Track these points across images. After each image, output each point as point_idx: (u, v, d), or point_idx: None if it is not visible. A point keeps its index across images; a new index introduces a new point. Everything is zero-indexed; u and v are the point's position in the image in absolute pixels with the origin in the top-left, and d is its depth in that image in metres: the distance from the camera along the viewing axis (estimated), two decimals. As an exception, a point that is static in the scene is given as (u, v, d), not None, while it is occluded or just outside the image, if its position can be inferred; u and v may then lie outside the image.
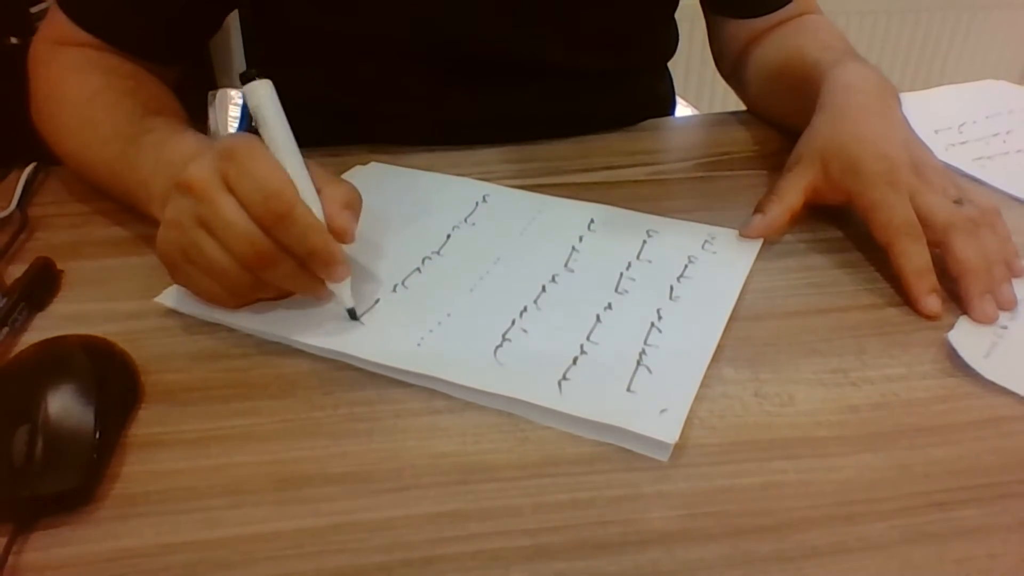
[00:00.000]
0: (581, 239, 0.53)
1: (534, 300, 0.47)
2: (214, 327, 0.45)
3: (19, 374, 0.40)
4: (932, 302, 0.47)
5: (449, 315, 0.45)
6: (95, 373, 0.39)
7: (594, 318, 0.45)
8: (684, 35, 0.77)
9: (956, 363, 0.43)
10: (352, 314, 0.44)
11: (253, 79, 0.42)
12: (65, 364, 0.39)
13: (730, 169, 0.64)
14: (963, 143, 0.67)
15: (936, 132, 0.69)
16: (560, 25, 0.65)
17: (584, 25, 0.66)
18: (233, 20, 0.73)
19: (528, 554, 0.33)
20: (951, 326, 0.46)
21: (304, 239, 0.41)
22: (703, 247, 0.52)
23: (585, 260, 0.51)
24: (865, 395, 0.41)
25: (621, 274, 0.49)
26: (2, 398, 0.38)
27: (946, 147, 0.66)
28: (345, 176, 0.60)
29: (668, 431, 0.37)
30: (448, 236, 0.53)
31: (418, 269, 0.50)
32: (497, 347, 0.43)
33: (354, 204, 0.44)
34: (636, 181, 0.62)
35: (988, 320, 0.46)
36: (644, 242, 0.53)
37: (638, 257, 0.51)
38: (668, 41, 0.76)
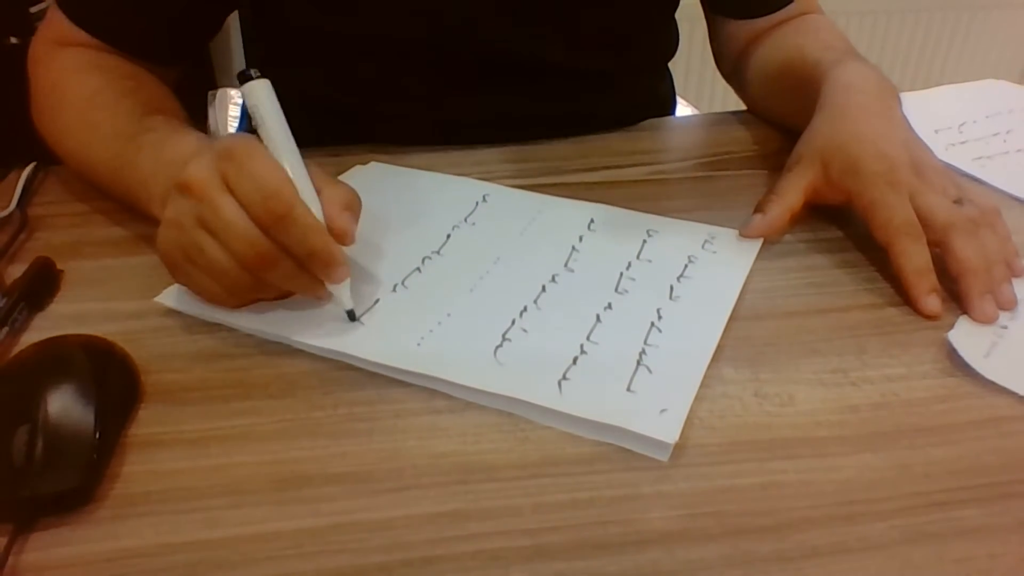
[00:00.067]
0: (581, 239, 0.53)
1: (534, 300, 0.47)
2: (214, 327, 0.45)
3: (19, 374, 0.40)
4: (932, 302, 0.47)
5: (449, 315, 0.45)
6: (95, 373, 0.39)
7: (594, 318, 0.45)
8: (684, 35, 0.77)
9: (956, 363, 0.43)
10: (351, 315, 0.44)
11: (251, 79, 0.42)
12: (65, 364, 0.39)
13: (730, 169, 0.64)
14: (963, 143, 0.67)
15: (936, 132, 0.69)
16: (560, 25, 0.65)
17: (584, 25, 0.66)
18: (233, 20, 0.73)
19: (528, 554, 0.33)
20: (951, 326, 0.46)
21: (303, 239, 0.41)
22: (703, 247, 0.52)
23: (585, 260, 0.51)
24: (865, 395, 0.41)
25: (621, 274, 0.49)
26: (2, 398, 0.38)
27: (946, 147, 0.66)
28: (345, 176, 0.60)
29: (668, 431, 0.37)
30: (448, 236, 0.53)
31: (418, 269, 0.50)
32: (497, 347, 0.43)
33: (353, 206, 0.44)
34: (636, 181, 0.62)
35: (988, 320, 0.46)
36: (644, 242, 0.53)
37: (638, 257, 0.51)
38: (668, 41, 0.76)
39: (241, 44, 0.79)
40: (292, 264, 0.42)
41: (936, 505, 0.35)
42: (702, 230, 0.54)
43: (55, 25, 0.60)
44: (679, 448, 0.38)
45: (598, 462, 0.37)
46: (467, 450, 0.38)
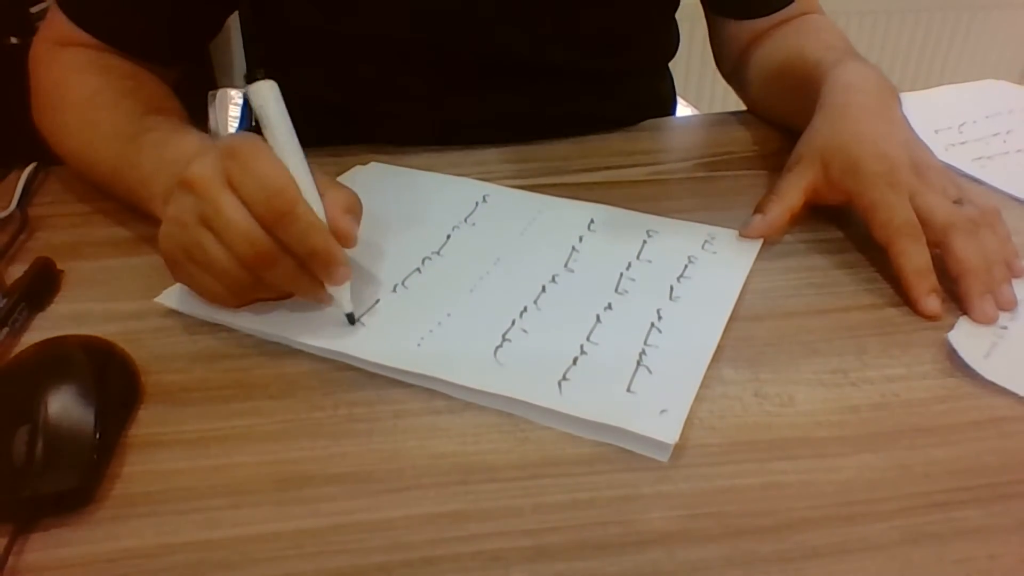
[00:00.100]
0: (581, 239, 0.53)
1: (534, 300, 0.47)
2: (214, 327, 0.45)
3: (19, 374, 0.40)
4: (932, 302, 0.47)
5: (449, 315, 0.45)
6: (95, 373, 0.39)
7: (594, 318, 0.45)
8: (684, 35, 0.77)
9: (956, 363, 0.43)
10: (351, 319, 0.44)
11: (257, 80, 0.42)
12: (65, 364, 0.39)
13: (730, 169, 0.64)
14: (963, 143, 0.67)
15: (936, 132, 0.69)
16: (561, 25, 0.65)
17: (585, 25, 0.66)
18: (233, 20, 0.73)
19: (528, 554, 0.33)
20: (951, 326, 0.46)
21: (305, 238, 0.41)
22: (703, 247, 0.52)
23: (585, 260, 0.51)
24: (865, 395, 0.41)
25: (621, 274, 0.49)
26: (2, 398, 0.38)
27: (946, 147, 0.66)
28: (345, 176, 0.60)
29: (668, 431, 0.37)
30: (448, 236, 0.53)
31: (418, 269, 0.50)
32: (497, 347, 0.43)
33: (355, 209, 0.44)
34: (636, 181, 0.62)
35: (988, 320, 0.46)
36: (644, 242, 0.53)
37: (638, 257, 0.51)
38: (669, 42, 0.76)
39: (241, 44, 0.79)
40: (292, 264, 0.42)
41: (936, 505, 0.35)
42: (702, 230, 0.54)
43: (56, 25, 0.60)
44: (679, 448, 0.38)
45: (598, 462, 0.37)
46: (467, 450, 0.38)
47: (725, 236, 0.53)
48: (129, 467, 0.37)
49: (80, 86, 0.57)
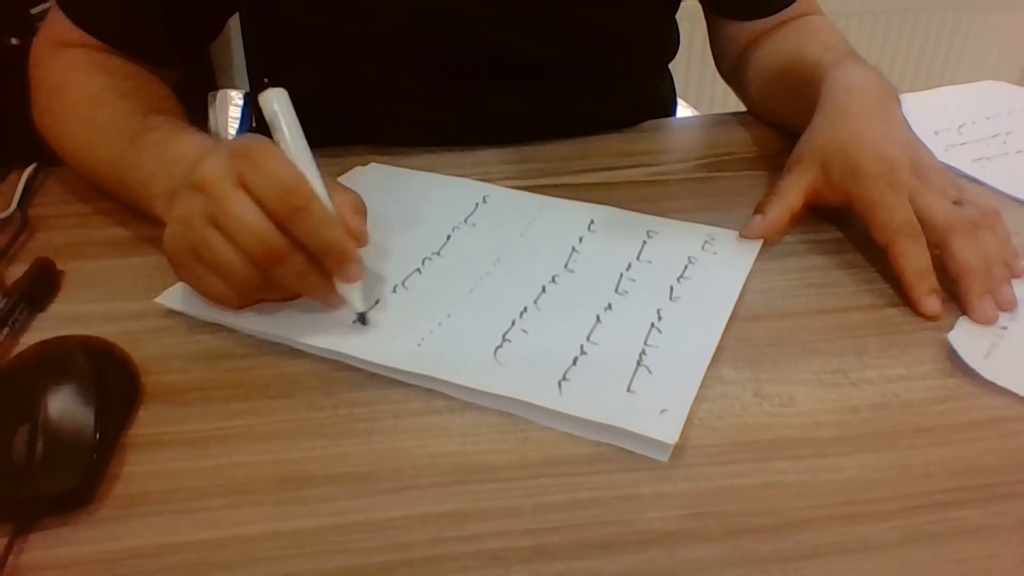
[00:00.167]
0: (581, 240, 0.53)
1: (534, 300, 0.47)
2: (214, 327, 0.45)
3: (19, 374, 0.40)
4: (932, 303, 0.47)
5: (449, 315, 0.46)
6: (95, 373, 0.39)
7: (594, 318, 0.45)
8: (684, 36, 0.77)
9: (956, 363, 0.43)
10: (363, 319, 0.44)
11: (267, 88, 0.43)
12: (65, 364, 0.39)
13: (730, 170, 0.64)
14: (963, 144, 0.67)
15: (936, 133, 0.69)
16: (561, 26, 0.65)
17: (585, 26, 0.66)
18: (233, 20, 0.73)
19: (528, 554, 0.33)
20: (951, 326, 0.46)
21: (321, 232, 0.41)
22: (703, 248, 0.52)
23: (585, 261, 0.51)
24: (865, 395, 0.41)
25: (621, 275, 0.49)
26: (2, 398, 0.38)
27: (946, 148, 0.66)
28: (345, 177, 0.60)
29: (668, 431, 0.37)
30: (448, 237, 0.53)
31: (418, 270, 0.50)
32: (497, 347, 0.43)
33: (362, 211, 0.45)
34: (636, 182, 0.62)
35: (988, 321, 0.46)
36: (644, 243, 0.53)
37: (638, 258, 0.51)
38: (669, 42, 0.76)
39: (241, 44, 0.79)
40: (304, 261, 0.42)
41: (936, 505, 0.35)
42: (702, 231, 0.54)
43: (57, 26, 0.60)
44: (679, 448, 0.38)
45: (598, 462, 0.37)
46: (467, 450, 0.38)
47: (725, 236, 0.53)
48: (129, 467, 0.37)
49: (80, 86, 0.57)
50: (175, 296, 0.47)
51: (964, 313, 0.47)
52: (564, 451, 0.38)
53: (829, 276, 0.51)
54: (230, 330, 0.45)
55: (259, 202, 0.40)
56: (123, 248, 0.53)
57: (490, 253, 0.51)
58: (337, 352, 0.43)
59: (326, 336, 0.43)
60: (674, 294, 0.48)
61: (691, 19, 0.77)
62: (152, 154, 0.49)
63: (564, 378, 0.41)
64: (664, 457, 0.37)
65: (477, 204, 0.57)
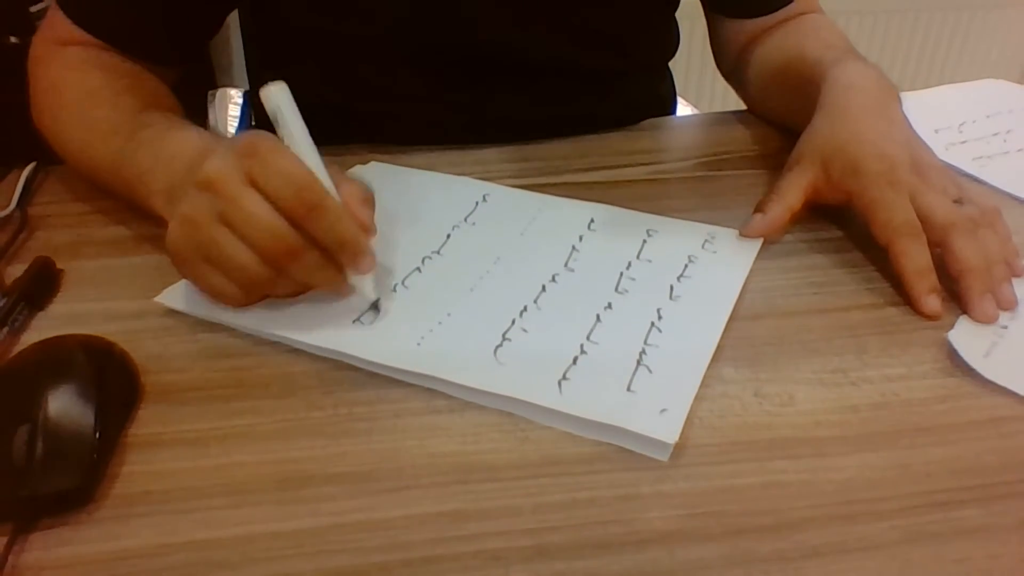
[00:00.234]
0: (581, 239, 0.53)
1: (534, 300, 0.47)
2: (214, 327, 0.45)
3: (19, 374, 0.40)
4: (932, 302, 0.47)
5: (449, 315, 0.45)
6: (95, 373, 0.39)
7: (594, 318, 0.45)
8: (684, 35, 0.77)
9: (956, 363, 0.43)
10: (376, 307, 0.45)
11: (268, 84, 0.43)
12: (65, 364, 0.39)
13: (730, 169, 0.64)
14: (963, 143, 0.67)
15: (936, 132, 0.69)
16: (561, 25, 0.65)
17: (584, 25, 0.66)
18: (233, 20, 0.73)
19: (528, 554, 0.33)
20: (951, 326, 0.46)
21: (336, 228, 0.41)
22: (703, 247, 0.52)
23: (585, 260, 0.51)
24: (865, 395, 0.41)
25: (621, 274, 0.49)
26: (2, 398, 0.38)
27: (946, 147, 0.66)
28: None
29: (668, 431, 0.37)
30: (448, 236, 0.53)
31: (418, 269, 0.50)
32: (497, 347, 0.43)
33: (370, 201, 0.45)
34: (636, 181, 0.62)
35: (988, 320, 0.46)
36: (644, 242, 0.53)
37: (638, 257, 0.51)
38: (669, 41, 0.76)
39: (241, 44, 0.79)
40: (318, 256, 0.42)
41: (936, 505, 0.35)
42: (702, 230, 0.54)
43: (56, 25, 0.60)
44: (679, 448, 0.38)
45: (598, 462, 0.37)
46: (467, 450, 0.38)
47: (725, 236, 0.53)
48: (129, 467, 0.37)
49: (79, 84, 0.57)
50: (175, 296, 0.47)
51: (964, 312, 0.47)
52: (564, 451, 0.38)
53: (829, 275, 0.51)
54: (230, 330, 0.45)
55: (272, 200, 0.40)
56: (123, 248, 0.53)
57: (490, 252, 0.51)
58: (337, 351, 0.43)
59: (326, 335, 0.43)
60: (674, 293, 0.48)
61: (691, 17, 0.76)
62: (149, 150, 0.49)
63: (564, 377, 0.41)
64: (664, 457, 0.37)
65: (477, 203, 0.57)
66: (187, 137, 0.49)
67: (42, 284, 0.48)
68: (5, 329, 0.44)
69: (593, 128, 0.69)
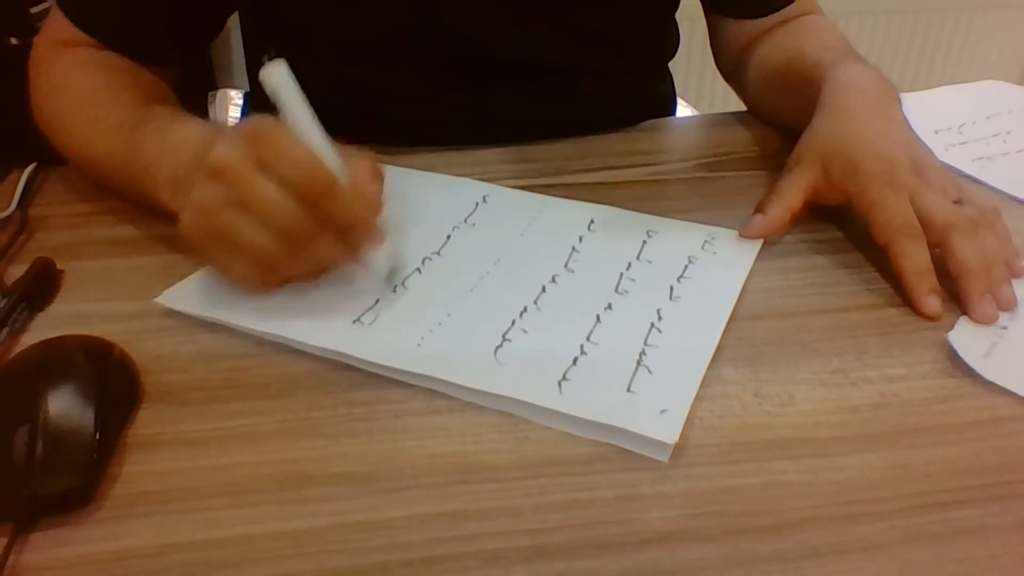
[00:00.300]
0: (581, 239, 0.53)
1: (534, 300, 0.47)
2: (214, 327, 0.45)
3: (19, 374, 0.40)
4: (932, 302, 0.47)
5: (449, 315, 0.45)
6: (95, 373, 0.39)
7: (594, 318, 0.45)
8: (684, 35, 0.77)
9: (956, 363, 0.43)
10: (392, 275, 0.46)
11: (267, 61, 0.43)
12: (65, 364, 0.39)
13: (730, 169, 0.64)
14: (963, 143, 0.67)
15: (936, 132, 0.69)
16: (560, 25, 0.65)
17: (584, 25, 0.66)
18: (233, 20, 0.73)
19: (528, 554, 0.33)
20: (951, 326, 0.46)
21: (348, 209, 0.42)
22: (703, 247, 0.52)
23: (585, 260, 0.51)
24: (865, 395, 0.41)
25: (621, 274, 0.49)
26: (2, 398, 0.38)
27: (946, 147, 0.66)
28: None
29: (668, 431, 0.37)
30: (448, 236, 0.53)
31: (418, 269, 0.50)
32: (497, 347, 0.43)
33: (379, 174, 0.46)
34: (636, 181, 0.62)
35: (988, 320, 0.46)
36: (644, 242, 0.53)
37: (638, 257, 0.51)
38: (669, 41, 0.76)
39: (241, 44, 0.79)
40: (332, 237, 0.43)
41: (936, 505, 0.35)
42: (702, 230, 0.54)
43: (56, 26, 0.60)
44: (679, 448, 0.38)
45: (598, 462, 0.37)
46: (467, 450, 0.38)
47: (725, 236, 0.53)
48: (129, 467, 0.37)
49: (81, 83, 0.57)
50: (175, 296, 0.47)
51: (964, 313, 0.47)
52: (564, 451, 0.38)
53: (829, 276, 0.51)
54: (230, 330, 0.45)
55: (286, 184, 0.41)
56: (123, 248, 0.53)
57: (490, 253, 0.51)
58: (337, 352, 0.43)
59: (326, 335, 0.43)
60: (674, 294, 0.48)
61: (691, 18, 0.76)
62: (154, 141, 0.50)
63: (564, 378, 0.41)
64: (664, 457, 0.37)
65: (477, 204, 0.57)
66: (191, 128, 0.49)
67: (42, 285, 0.48)
68: (5, 330, 0.44)
69: (593, 128, 0.69)
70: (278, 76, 0.43)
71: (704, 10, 0.75)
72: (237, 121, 1.04)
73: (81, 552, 0.33)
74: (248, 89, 1.00)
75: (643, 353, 0.43)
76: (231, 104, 1.09)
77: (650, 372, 0.41)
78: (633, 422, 0.38)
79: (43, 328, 0.46)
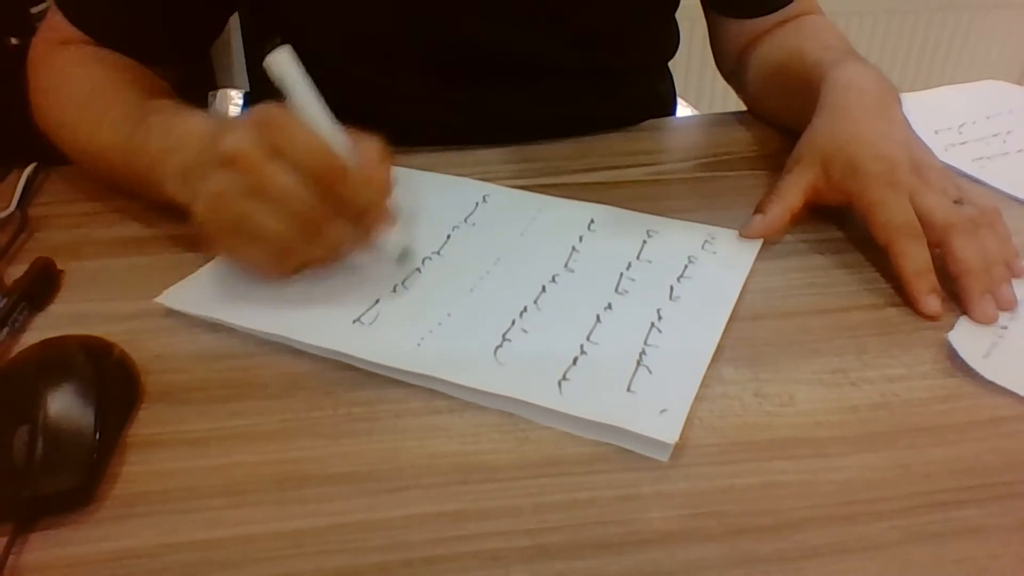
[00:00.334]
0: (581, 239, 0.53)
1: (534, 300, 0.47)
2: (214, 327, 0.45)
3: (19, 374, 0.40)
4: (932, 302, 0.47)
5: (449, 315, 0.45)
6: (95, 373, 0.39)
7: (594, 318, 0.45)
8: (684, 35, 0.77)
9: (956, 363, 0.43)
10: (404, 257, 0.47)
11: (273, 48, 0.43)
12: (65, 364, 0.39)
13: (730, 169, 0.64)
14: (963, 143, 0.67)
15: (936, 132, 0.69)
16: (560, 25, 0.65)
17: (584, 25, 0.66)
18: (233, 20, 0.73)
19: (528, 554, 0.33)
20: (951, 326, 0.46)
21: (361, 193, 0.43)
22: (703, 247, 0.52)
23: (585, 260, 0.51)
24: (865, 395, 0.41)
25: (621, 274, 0.49)
26: (2, 398, 0.38)
27: (946, 147, 0.66)
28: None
29: (668, 431, 0.37)
30: (448, 236, 0.53)
31: (418, 269, 0.50)
32: (497, 347, 0.43)
33: (386, 158, 0.46)
34: (636, 181, 0.62)
35: (988, 320, 0.46)
36: (644, 242, 0.53)
37: (638, 257, 0.51)
38: (669, 41, 0.76)
39: (241, 44, 0.79)
40: (346, 222, 0.44)
41: (936, 505, 0.35)
42: (702, 230, 0.54)
43: (55, 26, 0.60)
44: (679, 448, 0.38)
45: (598, 462, 0.37)
46: (467, 450, 0.38)
47: (725, 236, 0.53)
48: (129, 467, 0.37)
49: (82, 79, 0.57)
50: (175, 296, 0.47)
51: (964, 313, 0.47)
52: (564, 451, 0.38)
53: (829, 276, 0.51)
54: (230, 330, 0.45)
55: (300, 171, 0.41)
56: (123, 248, 0.53)
57: (490, 253, 0.51)
58: (337, 352, 0.43)
59: (326, 335, 0.43)
60: (674, 294, 0.48)
61: (691, 18, 0.76)
62: (159, 134, 0.50)
63: (564, 378, 0.41)
64: (664, 457, 0.37)
65: (477, 203, 0.57)
66: (195, 120, 0.49)
67: (42, 284, 0.48)
68: (5, 329, 0.44)
69: (593, 128, 0.69)
70: (284, 62, 0.43)
71: (704, 9, 0.75)
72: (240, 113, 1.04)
73: (81, 552, 0.33)
74: (248, 89, 1.00)
75: (643, 353, 0.43)
76: (231, 104, 1.09)
77: (650, 372, 0.41)
78: (633, 422, 0.38)
79: (43, 328, 0.46)
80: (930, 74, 1.87)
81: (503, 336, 0.44)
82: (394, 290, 0.48)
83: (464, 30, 0.63)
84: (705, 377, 0.41)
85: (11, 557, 0.33)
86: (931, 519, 0.35)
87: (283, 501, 0.35)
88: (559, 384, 0.40)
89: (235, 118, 0.45)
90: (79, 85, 0.57)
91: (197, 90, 1.07)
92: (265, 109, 0.43)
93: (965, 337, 0.44)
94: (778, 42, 0.69)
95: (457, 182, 0.60)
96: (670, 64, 0.81)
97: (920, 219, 0.48)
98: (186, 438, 0.39)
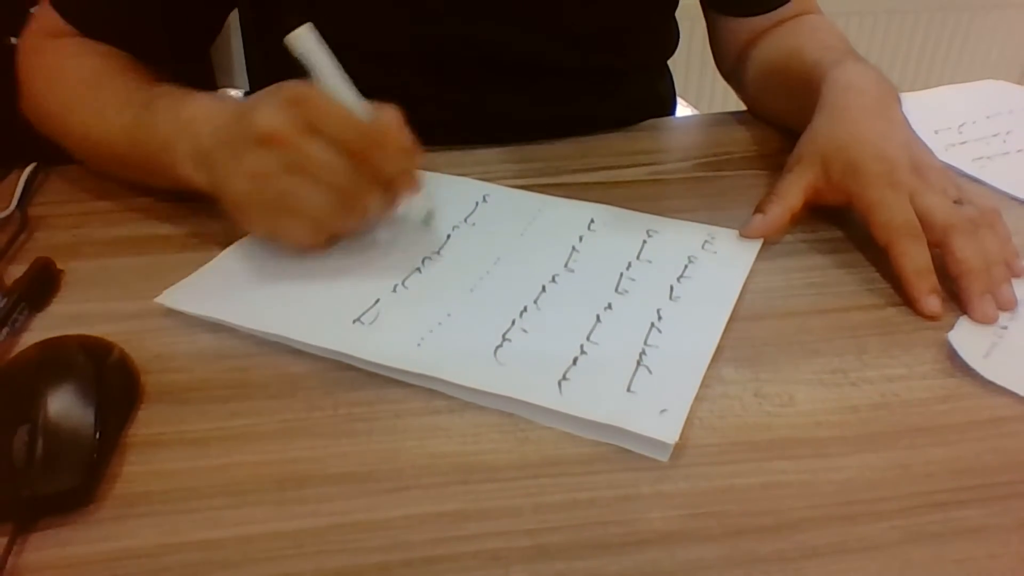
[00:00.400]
0: (581, 239, 0.53)
1: (534, 300, 0.47)
2: (214, 327, 0.45)
3: (19, 374, 0.40)
4: (932, 302, 0.47)
5: (449, 315, 0.45)
6: (95, 373, 0.39)
7: (594, 318, 0.45)
8: (684, 35, 0.77)
9: (956, 363, 0.43)
10: (429, 218, 0.50)
11: (296, 27, 0.44)
12: (65, 364, 0.39)
13: (730, 169, 0.64)
14: (963, 143, 0.67)
15: (936, 132, 0.69)
16: (560, 25, 0.65)
17: (584, 25, 0.66)
18: (233, 20, 0.73)
19: (528, 554, 0.33)
20: (951, 326, 0.46)
21: (395, 161, 0.45)
22: (703, 247, 0.52)
23: (585, 260, 0.51)
24: (865, 395, 0.41)
25: (621, 274, 0.49)
26: (2, 398, 0.38)
27: (946, 147, 0.66)
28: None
29: (668, 431, 0.37)
30: (448, 236, 0.53)
31: (418, 269, 0.50)
32: (497, 347, 0.43)
33: (404, 125, 0.47)
34: (636, 181, 0.62)
35: (988, 320, 0.46)
36: (644, 242, 0.53)
37: (638, 257, 0.51)
38: (669, 40, 0.76)
39: (241, 44, 0.79)
40: (379, 188, 0.46)
41: (936, 505, 0.35)
42: (702, 230, 0.54)
43: (47, 19, 0.60)
44: (679, 448, 0.38)
45: (598, 462, 0.37)
46: (467, 450, 0.38)
47: (725, 236, 0.53)
48: (129, 467, 0.37)
49: (79, 67, 0.57)
50: (175, 296, 0.47)
51: (964, 313, 0.47)
52: (564, 451, 0.38)
53: (829, 276, 0.51)
54: (230, 330, 0.45)
55: (334, 144, 0.43)
56: (123, 247, 0.53)
57: (490, 252, 0.51)
58: (337, 352, 0.43)
59: (326, 335, 0.43)
60: (674, 294, 0.48)
61: (691, 18, 0.77)
62: (167, 116, 0.50)
63: (564, 378, 0.41)
64: (664, 457, 0.37)
65: (477, 203, 0.57)
66: (203, 102, 0.50)
67: (42, 284, 0.48)
68: (5, 329, 0.44)
69: (593, 128, 0.69)
70: (307, 38, 0.44)
71: (703, 9, 0.75)
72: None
73: (81, 552, 0.33)
74: (248, 89, 1.00)
75: (643, 353, 0.43)
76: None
77: (650, 372, 0.41)
78: (633, 422, 0.38)
79: (43, 328, 0.46)
80: (930, 74, 1.87)
81: (503, 336, 0.44)
82: (394, 290, 0.48)
83: (464, 30, 0.63)
84: (705, 377, 0.41)
85: (11, 557, 0.33)
86: (931, 519, 0.35)
87: (283, 501, 0.35)
88: (559, 384, 0.40)
89: (253, 97, 0.45)
90: (76, 72, 0.57)
91: (197, 90, 1.07)
92: (291, 86, 0.44)
93: (965, 337, 0.44)
94: (777, 41, 0.69)
95: (457, 182, 0.60)
96: (670, 63, 0.81)
97: (920, 219, 0.48)
98: (186, 438, 0.39)
